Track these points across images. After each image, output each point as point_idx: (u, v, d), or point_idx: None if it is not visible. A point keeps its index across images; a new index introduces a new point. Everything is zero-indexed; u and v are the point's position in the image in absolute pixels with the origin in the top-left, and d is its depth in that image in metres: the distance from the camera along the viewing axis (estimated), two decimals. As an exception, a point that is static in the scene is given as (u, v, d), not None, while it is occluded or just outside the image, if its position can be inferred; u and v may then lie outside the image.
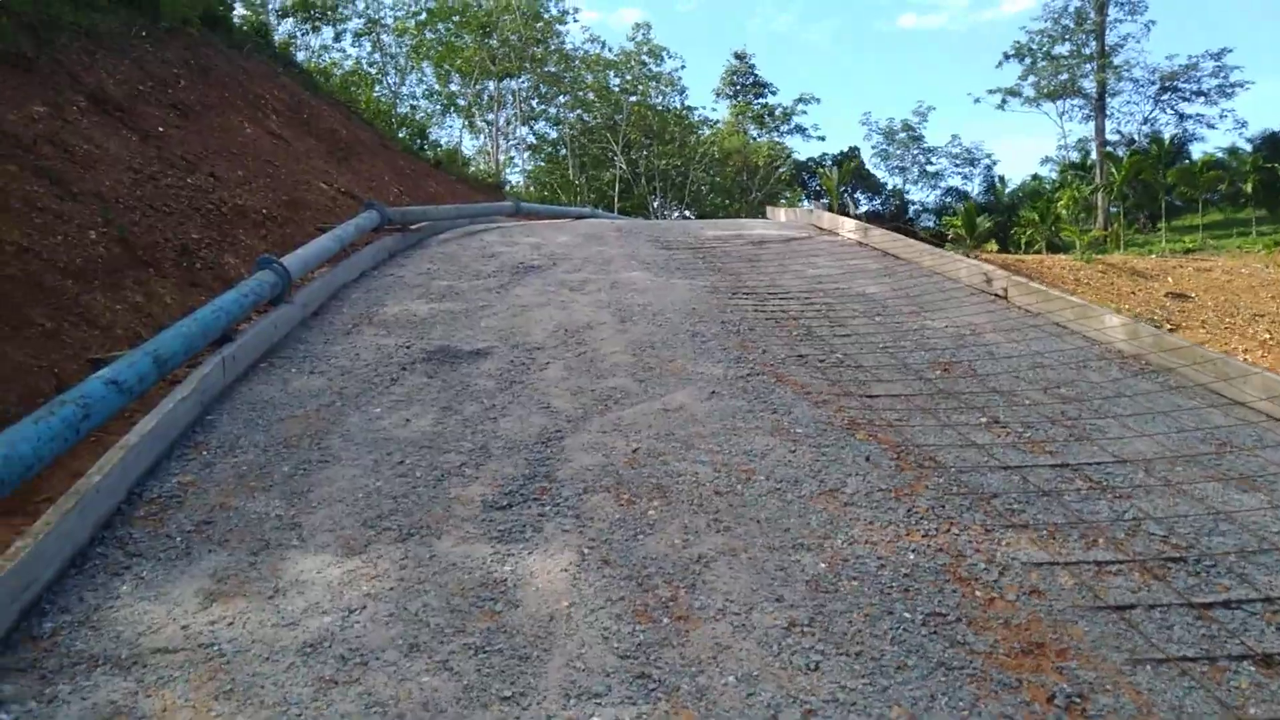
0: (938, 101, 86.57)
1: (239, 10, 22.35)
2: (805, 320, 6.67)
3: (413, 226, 10.71)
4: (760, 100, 52.89)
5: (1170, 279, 16.59)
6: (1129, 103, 48.66)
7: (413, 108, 32.04)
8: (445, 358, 5.65)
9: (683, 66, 64.64)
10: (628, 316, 6.68)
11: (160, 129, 9.38)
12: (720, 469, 3.93)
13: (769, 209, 18.84)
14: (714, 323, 6.53)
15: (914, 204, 58.96)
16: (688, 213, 44.16)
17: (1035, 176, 54.76)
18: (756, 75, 53.35)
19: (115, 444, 3.83)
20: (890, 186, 57.55)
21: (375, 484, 3.80)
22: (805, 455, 4.08)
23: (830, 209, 15.38)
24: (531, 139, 40.46)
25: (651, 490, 3.72)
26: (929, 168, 59.22)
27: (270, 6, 26.35)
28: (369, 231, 9.51)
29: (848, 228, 11.55)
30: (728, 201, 46.09)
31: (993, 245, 37.68)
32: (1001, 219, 44.94)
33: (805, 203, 54.35)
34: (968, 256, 9.53)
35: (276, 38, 22.04)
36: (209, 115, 10.94)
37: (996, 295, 7.54)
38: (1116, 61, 45.23)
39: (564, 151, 40.24)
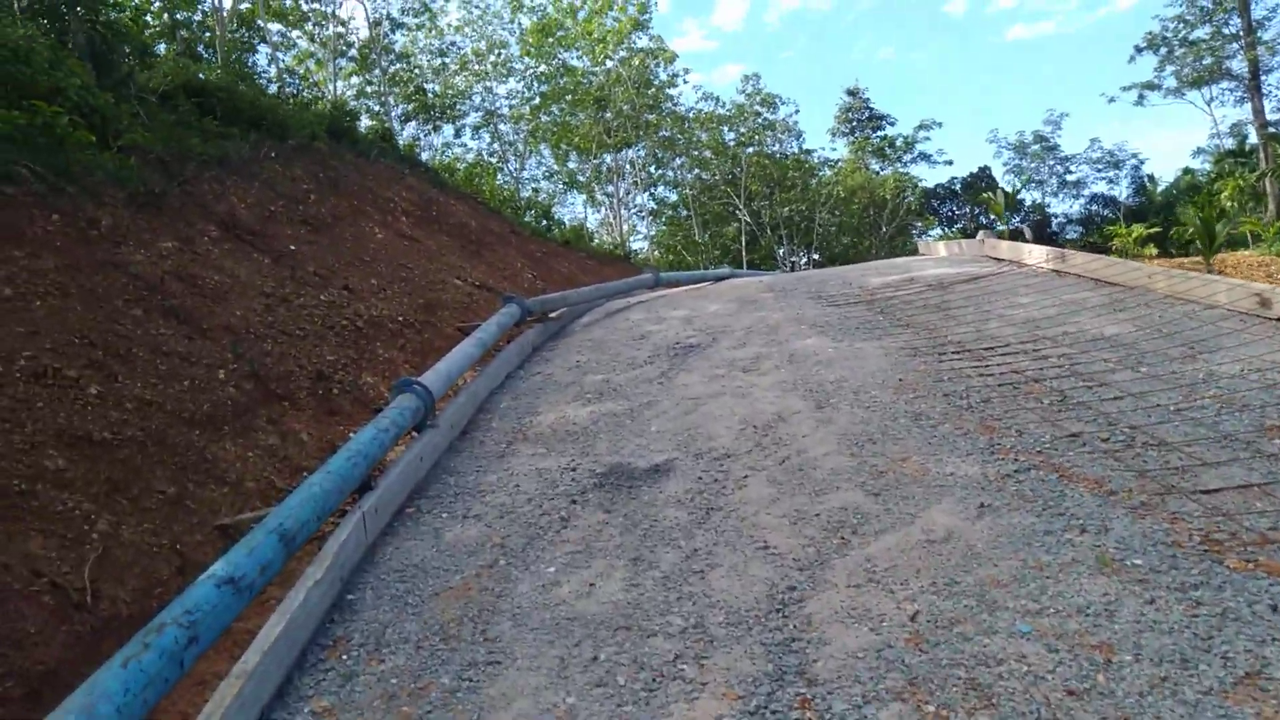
0: (1068, 108, 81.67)
1: (364, 121, 22.93)
2: (1049, 380, 5.34)
3: (552, 315, 9.96)
4: (879, 133, 51.18)
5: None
6: (1286, 77, 44.24)
7: (535, 190, 32.23)
8: (619, 480, 4.65)
9: (797, 111, 63.43)
10: (824, 399, 5.53)
11: (292, 247, 9.00)
12: (1056, 644, 2.69)
13: (921, 244, 17.35)
14: (934, 397, 5.29)
15: (1056, 216, 55.31)
16: (815, 255, 42.66)
17: (1187, 170, 50.46)
18: (872, 109, 51.74)
19: (233, 666, 2.98)
20: (1029, 202, 54.35)
21: (566, 701, 2.76)
22: (1174, 609, 2.79)
23: (1000, 236, 13.81)
24: (652, 205, 40.19)
25: (965, 694, 2.52)
26: (1068, 177, 55.65)
27: (393, 114, 27.07)
28: (510, 327, 8.78)
29: (1036, 255, 10.05)
30: (857, 240, 44.42)
31: (1152, 249, 34.46)
32: (1158, 220, 41.38)
33: (935, 231, 51.89)
34: (1211, 272, 7.89)
35: (400, 141, 22.41)
36: (340, 226, 10.62)
37: (1282, 320, 5.97)
38: (1266, 36, 41.17)
39: (685, 212, 39.71)
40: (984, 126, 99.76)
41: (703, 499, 4.24)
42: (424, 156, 23.95)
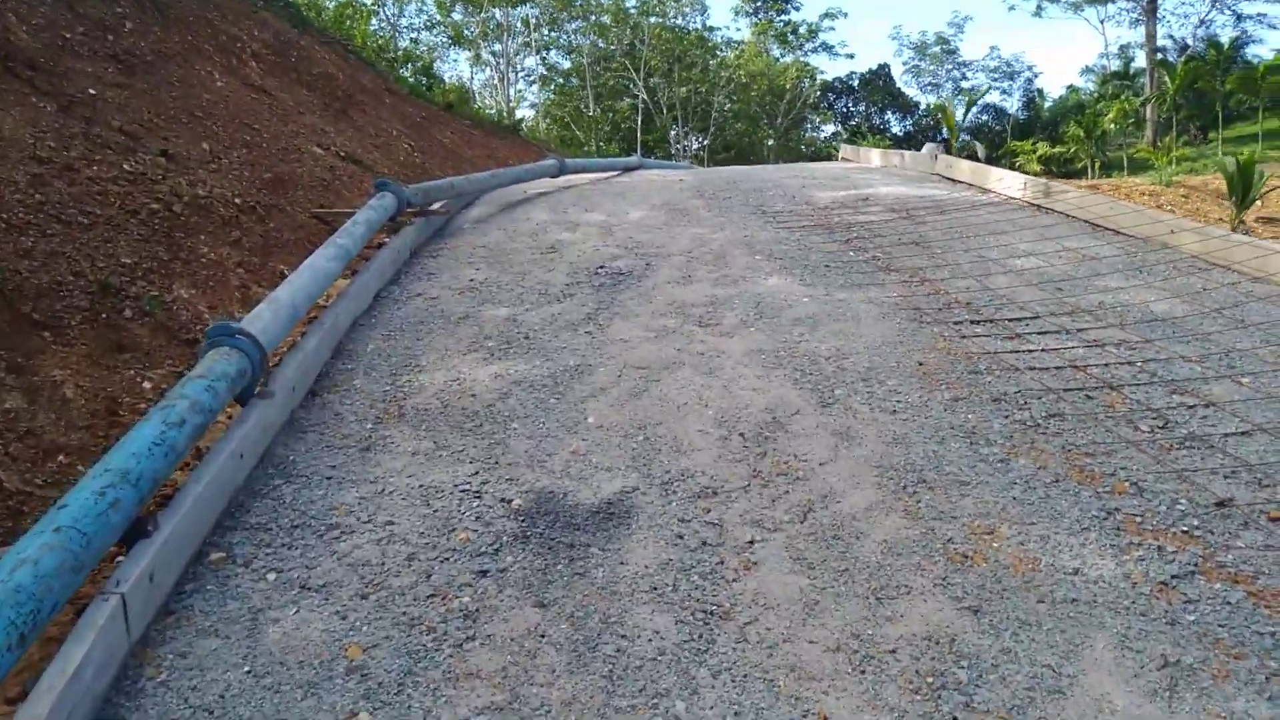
0: (970, 10, 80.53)
1: (210, -66, 19.07)
2: (1127, 388, 3.99)
3: (436, 207, 7.94)
4: (783, 17, 48.93)
5: (1258, 200, 14.15)
6: (1183, 3, 44.45)
7: (414, 41, 28.72)
8: (553, 529, 3.02)
9: (704, -18, 59.96)
10: (826, 390, 4.01)
11: (91, 91, 6.59)
12: None
13: (846, 149, 15.91)
14: (980, 400, 3.86)
15: (948, 123, 55.10)
16: (707, 141, 40.85)
17: (1073, 89, 50.86)
18: (778, -11, 49.25)
19: None
20: (924, 105, 53.93)
21: None
22: None
23: (949, 151, 12.48)
24: (542, 70, 37.08)
25: None
26: (964, 83, 55.27)
27: (249, -69, 22.92)
28: (383, 224, 6.79)
29: (1009, 183, 8.71)
30: (752, 129, 42.88)
31: (1036, 166, 34.44)
32: (1043, 136, 41.51)
33: (829, 128, 50.70)
34: (1239, 231, 6.73)
35: (256, -35, 18.78)
36: (165, 67, 8.09)
37: (1370, 313, 4.83)
38: (1170, -43, 40.88)
39: (577, 82, 36.88)
40: (888, 21, 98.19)
41: (692, 588, 2.68)
42: (285, -13, 20.33)
